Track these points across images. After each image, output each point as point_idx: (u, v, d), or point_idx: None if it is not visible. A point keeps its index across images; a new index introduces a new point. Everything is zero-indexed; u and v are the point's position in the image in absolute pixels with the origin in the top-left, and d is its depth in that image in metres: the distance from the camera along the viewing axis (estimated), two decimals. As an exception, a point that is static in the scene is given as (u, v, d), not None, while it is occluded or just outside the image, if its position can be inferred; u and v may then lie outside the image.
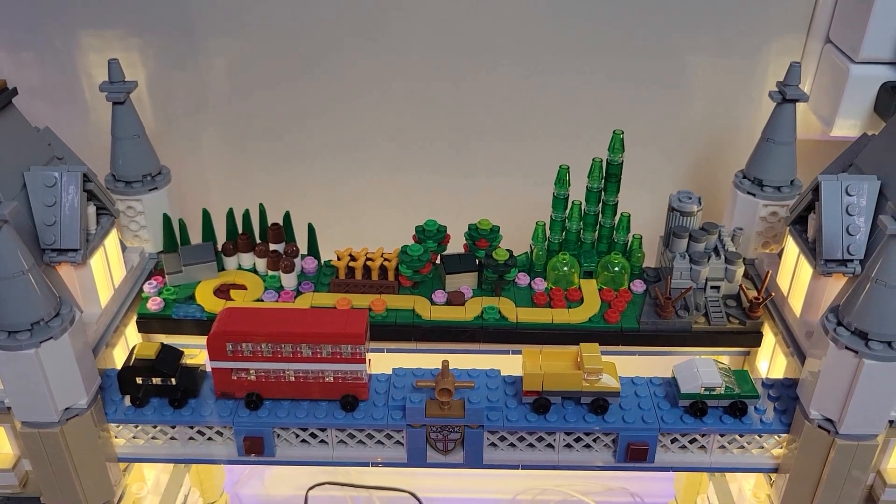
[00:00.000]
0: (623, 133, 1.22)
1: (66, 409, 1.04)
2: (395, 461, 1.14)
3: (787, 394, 1.12)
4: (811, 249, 1.13)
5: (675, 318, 1.22)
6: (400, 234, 1.30)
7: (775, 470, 1.13)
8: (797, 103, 1.23)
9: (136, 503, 1.27)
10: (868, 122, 1.33)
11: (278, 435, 1.13)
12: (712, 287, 1.24)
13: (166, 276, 1.26)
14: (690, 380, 1.10)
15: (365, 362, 1.08)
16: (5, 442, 1.12)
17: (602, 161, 1.25)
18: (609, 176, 1.25)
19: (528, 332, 1.22)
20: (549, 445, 1.13)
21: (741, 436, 1.11)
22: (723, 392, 1.09)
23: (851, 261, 1.08)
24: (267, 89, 1.47)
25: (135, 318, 1.24)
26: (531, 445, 1.13)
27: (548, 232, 1.30)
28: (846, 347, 0.96)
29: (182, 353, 1.14)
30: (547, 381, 1.09)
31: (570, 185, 1.26)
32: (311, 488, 1.89)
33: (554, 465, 1.13)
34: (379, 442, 1.13)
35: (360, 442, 1.14)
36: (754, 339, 1.22)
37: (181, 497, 1.42)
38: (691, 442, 1.12)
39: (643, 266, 1.32)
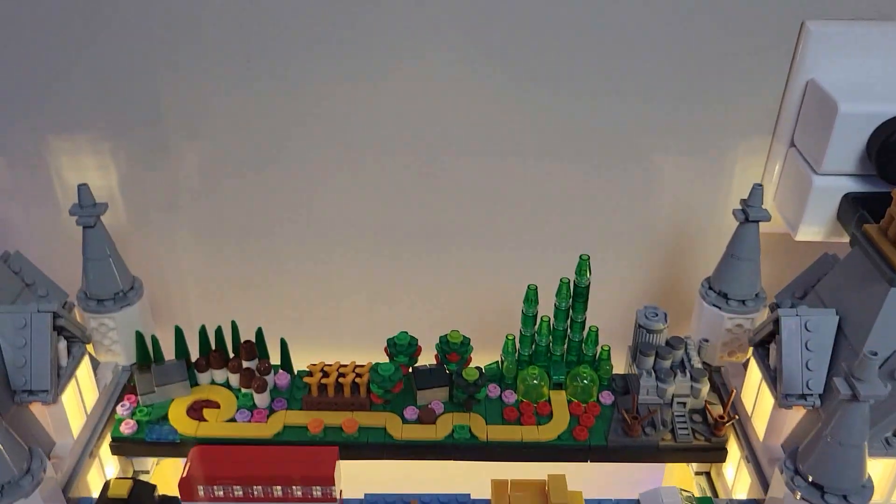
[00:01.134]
0: (589, 257, 1.24)
1: (39, 556, 1.05)
2: (367, 590, 1.16)
3: (746, 523, 1.15)
4: (773, 378, 1.15)
5: (642, 437, 1.24)
6: (375, 336, 1.32)
7: None
8: (759, 223, 1.25)
9: None
10: (831, 230, 1.35)
11: (252, 568, 1.14)
12: (678, 403, 1.26)
13: (139, 396, 1.27)
14: (654, 510, 1.12)
15: (335, 501, 1.10)
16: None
17: (570, 281, 1.26)
18: (576, 296, 1.27)
19: (499, 448, 1.24)
20: (519, 574, 1.15)
21: (710, 567, 1.14)
22: (687, 524, 1.11)
23: (811, 395, 1.10)
24: (238, 189, 1.47)
25: (109, 440, 1.25)
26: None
27: (517, 345, 1.32)
28: (803, 498, 0.99)
29: (155, 487, 1.15)
30: (514, 515, 1.11)
31: (538, 303, 1.28)
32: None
33: (522, 591, 1.16)
34: (351, 572, 1.15)
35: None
36: (719, 455, 1.25)
37: None
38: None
39: (612, 375, 1.34)
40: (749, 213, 1.24)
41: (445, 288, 1.52)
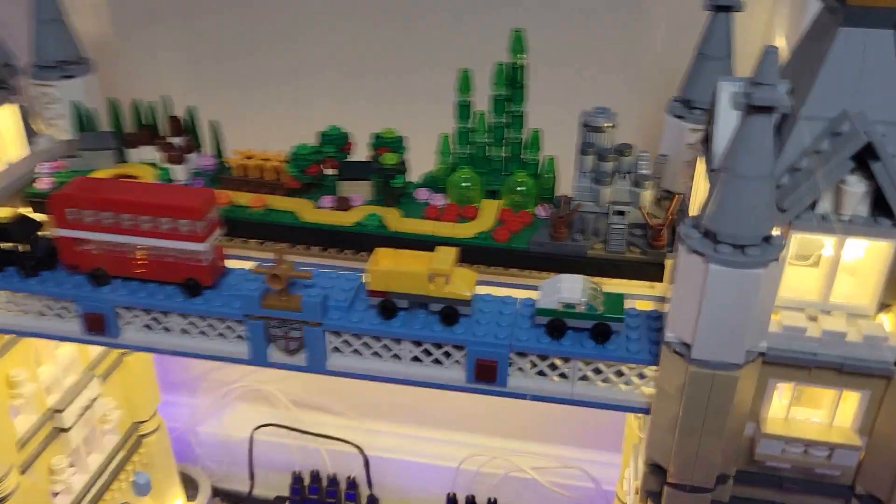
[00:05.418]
0: (521, 33, 1.12)
1: None
2: (237, 357, 1.07)
3: (661, 323, 0.98)
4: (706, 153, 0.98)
5: (568, 241, 1.09)
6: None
7: (647, 411, 0.99)
8: (733, 13, 1.09)
9: (10, 385, 1.26)
10: None
11: (120, 316, 1.08)
12: (616, 213, 1.10)
13: (65, 159, 1.25)
14: (551, 294, 0.97)
15: (203, 241, 1.02)
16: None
17: (505, 65, 1.14)
18: (514, 82, 1.14)
19: (406, 241, 1.12)
20: (396, 356, 1.03)
21: (607, 365, 0.98)
22: (584, 311, 0.96)
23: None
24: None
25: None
26: (377, 354, 1.03)
27: (453, 145, 1.20)
28: (694, 251, 0.82)
29: (41, 224, 1.12)
30: (392, 281, 1.00)
31: (473, 90, 1.16)
32: (256, 429, 1.85)
33: (402, 378, 1.03)
34: (220, 335, 1.07)
35: (202, 333, 1.08)
36: (657, 271, 1.08)
37: (84, 399, 1.40)
38: (552, 368, 0.99)
39: (556, 193, 1.19)
40: (718, -2, 1.08)
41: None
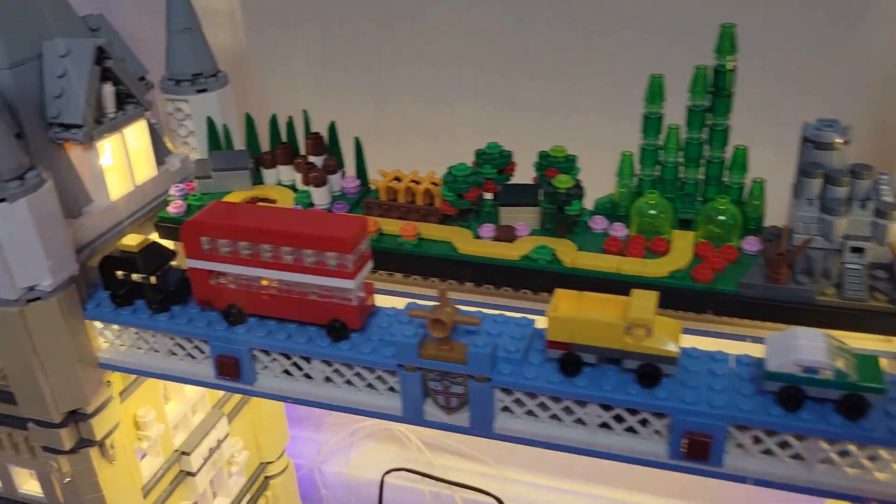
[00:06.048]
0: (735, 27, 0.92)
1: (29, 288, 0.93)
2: (387, 412, 0.91)
3: (937, 396, 0.76)
4: None
5: (790, 284, 0.88)
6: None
7: (910, 509, 0.77)
8: None
9: (137, 426, 1.15)
10: None
11: (258, 359, 0.95)
12: (853, 249, 0.89)
13: (195, 181, 1.14)
14: (784, 354, 0.77)
15: (353, 278, 0.87)
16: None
17: (707, 69, 0.95)
18: (718, 89, 0.95)
19: (585, 280, 0.94)
20: (580, 422, 0.85)
21: (860, 447, 0.76)
22: (831, 378, 0.75)
23: None
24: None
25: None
26: (556, 417, 0.86)
27: (637, 166, 1.02)
28: None
29: (173, 254, 1.00)
30: (577, 331, 0.82)
31: (664, 99, 0.97)
32: (387, 472, 1.70)
33: (586, 448, 0.85)
34: (370, 385, 0.92)
35: (349, 383, 0.93)
36: (909, 325, 0.86)
37: (211, 439, 1.29)
38: (783, 447, 0.79)
39: (764, 223, 0.99)
40: None
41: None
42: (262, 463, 1.49)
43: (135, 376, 1.12)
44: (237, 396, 1.38)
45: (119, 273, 0.97)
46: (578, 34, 1.24)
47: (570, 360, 0.83)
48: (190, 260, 0.93)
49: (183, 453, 1.25)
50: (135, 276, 0.97)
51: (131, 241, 0.98)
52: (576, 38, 1.24)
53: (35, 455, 1.11)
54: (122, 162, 1.09)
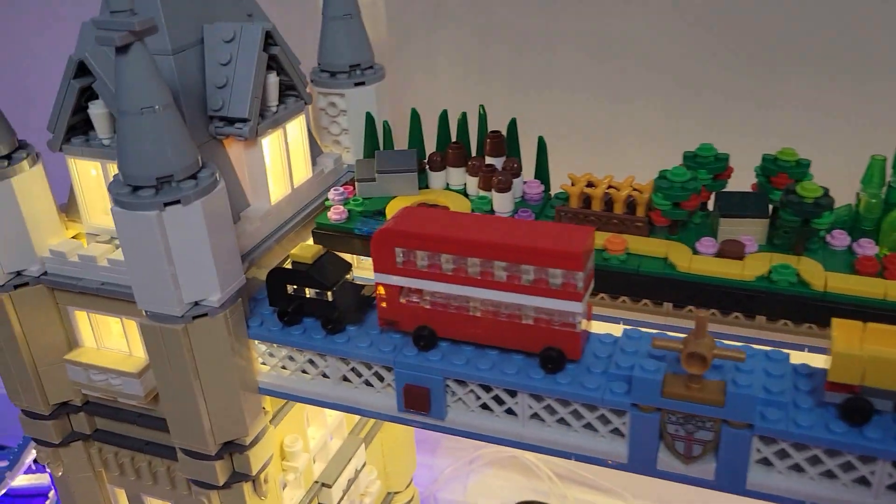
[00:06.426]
0: None
1: (195, 304, 0.82)
2: (611, 459, 0.77)
3: None
4: None
5: None
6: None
7: None
8: None
9: (284, 457, 1.03)
10: None
11: (451, 391, 0.82)
12: None
13: (356, 184, 1.02)
14: None
15: (581, 301, 0.74)
16: (137, 340, 0.93)
17: None
18: None
19: (843, 308, 0.79)
20: (863, 481, 0.70)
21: None
22: None
23: None
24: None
25: (311, 228, 1.01)
26: (830, 475, 0.71)
27: (889, 172, 0.87)
28: None
29: (350, 266, 0.88)
30: (871, 372, 0.67)
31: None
32: (517, 505, 1.57)
33: (868, 514, 0.70)
34: (589, 426, 0.78)
35: (562, 421, 0.79)
36: None
37: (350, 470, 1.16)
38: None
39: None
40: None
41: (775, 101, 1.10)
42: (389, 493, 1.36)
43: (283, 401, 1.00)
44: (372, 421, 1.26)
45: (290, 288, 0.85)
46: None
47: (858, 407, 0.68)
48: (380, 275, 0.80)
49: (324, 485, 1.13)
50: (308, 292, 0.84)
51: (305, 251, 0.86)
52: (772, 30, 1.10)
53: (175, 486, 1.00)
54: (281, 161, 0.97)
